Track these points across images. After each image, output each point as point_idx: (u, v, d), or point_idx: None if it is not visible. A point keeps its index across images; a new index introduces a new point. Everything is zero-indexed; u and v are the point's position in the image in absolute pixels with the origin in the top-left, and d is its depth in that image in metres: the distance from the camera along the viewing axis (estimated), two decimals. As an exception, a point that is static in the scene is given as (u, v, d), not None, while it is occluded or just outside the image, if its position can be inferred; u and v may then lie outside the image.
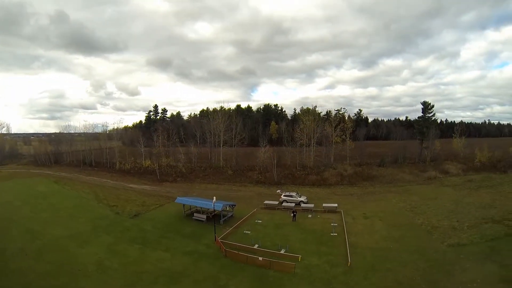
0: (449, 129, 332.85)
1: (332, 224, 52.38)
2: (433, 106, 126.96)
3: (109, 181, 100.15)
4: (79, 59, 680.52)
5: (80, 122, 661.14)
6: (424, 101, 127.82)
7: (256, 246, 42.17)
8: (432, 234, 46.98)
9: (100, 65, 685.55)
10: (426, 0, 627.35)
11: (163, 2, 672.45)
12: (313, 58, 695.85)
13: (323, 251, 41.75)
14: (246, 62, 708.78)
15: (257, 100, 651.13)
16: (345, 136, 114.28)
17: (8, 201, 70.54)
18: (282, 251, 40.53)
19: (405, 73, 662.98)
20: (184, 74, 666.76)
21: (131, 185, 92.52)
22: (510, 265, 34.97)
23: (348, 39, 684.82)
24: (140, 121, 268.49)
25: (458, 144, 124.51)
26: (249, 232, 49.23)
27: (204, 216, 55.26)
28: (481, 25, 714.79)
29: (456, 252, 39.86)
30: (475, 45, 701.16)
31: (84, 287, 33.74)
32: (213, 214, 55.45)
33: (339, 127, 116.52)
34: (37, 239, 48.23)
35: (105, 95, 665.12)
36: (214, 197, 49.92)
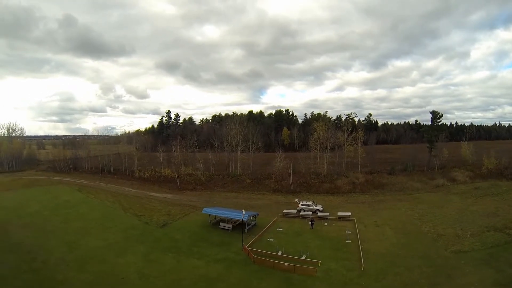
0: (459, 132, 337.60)
1: (346, 231, 58.78)
2: (441, 116, 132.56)
3: (130, 189, 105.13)
4: (88, 63, 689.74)
5: (90, 125, 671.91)
6: (433, 111, 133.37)
7: (280, 253, 48.19)
8: (437, 241, 53.00)
9: (109, 68, 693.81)
10: (432, 0, 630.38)
11: (169, 5, 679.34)
12: (321, 60, 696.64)
13: (340, 256, 47.91)
14: (253, 64, 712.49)
15: (265, 102, 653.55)
16: (357, 144, 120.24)
17: (37, 211, 74.18)
18: (304, 257, 46.55)
19: (414, 74, 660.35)
20: (192, 77, 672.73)
21: (153, 194, 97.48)
22: (505, 271, 41.06)
23: (355, 41, 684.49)
24: (152, 126, 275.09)
25: (466, 151, 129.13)
26: (272, 240, 55.15)
27: (230, 226, 60.89)
28: (490, 25, 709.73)
29: (458, 258, 45.85)
30: (485, 45, 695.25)
31: None
32: (237, 223, 61.54)
33: (351, 136, 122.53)
34: (75, 249, 51.86)
35: (114, 98, 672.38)
36: (243, 210, 56.27)
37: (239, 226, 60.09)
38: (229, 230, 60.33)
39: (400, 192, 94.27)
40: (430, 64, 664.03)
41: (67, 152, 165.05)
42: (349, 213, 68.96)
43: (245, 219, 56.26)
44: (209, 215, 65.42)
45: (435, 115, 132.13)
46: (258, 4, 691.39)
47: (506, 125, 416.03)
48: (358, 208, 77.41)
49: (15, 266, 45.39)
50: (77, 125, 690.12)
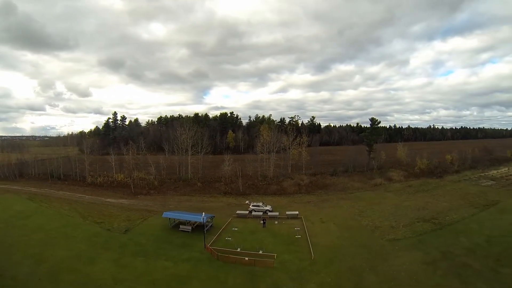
0: (397, 133, 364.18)
1: (295, 228, 66.36)
2: (379, 122, 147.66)
3: (84, 196, 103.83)
4: (26, 56, 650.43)
5: (27, 124, 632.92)
6: (372, 118, 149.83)
7: (239, 249, 54.07)
8: (374, 233, 62.70)
9: (49, 63, 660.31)
10: (379, 9, 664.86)
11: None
12: (266, 62, 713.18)
13: (292, 249, 55.09)
14: (199, 64, 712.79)
15: (209, 103, 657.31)
16: (301, 148, 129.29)
17: None
18: (260, 252, 52.99)
19: (357, 78, 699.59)
20: (136, 75, 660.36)
21: (108, 200, 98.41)
22: (431, 252, 51.57)
23: (302, 44, 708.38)
24: (97, 127, 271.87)
25: (401, 153, 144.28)
26: (230, 238, 60.93)
27: (190, 228, 65.74)
28: (429, 36, 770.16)
29: (392, 245, 55.57)
30: (423, 54, 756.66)
31: None
32: (195, 225, 66.77)
33: (296, 141, 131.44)
34: (42, 262, 50.91)
35: (54, 96, 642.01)
36: (203, 212, 61.33)
37: (198, 228, 65.40)
38: (189, 232, 64.99)
39: (342, 191, 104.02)
40: (373, 69, 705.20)
41: (11, 157, 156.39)
42: (297, 212, 76.40)
43: (204, 221, 61.00)
44: (169, 218, 69.52)
45: (374, 122, 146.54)
46: (207, 4, 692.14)
47: (440, 128, 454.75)
48: (304, 207, 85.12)
49: None
50: (13, 125, 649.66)
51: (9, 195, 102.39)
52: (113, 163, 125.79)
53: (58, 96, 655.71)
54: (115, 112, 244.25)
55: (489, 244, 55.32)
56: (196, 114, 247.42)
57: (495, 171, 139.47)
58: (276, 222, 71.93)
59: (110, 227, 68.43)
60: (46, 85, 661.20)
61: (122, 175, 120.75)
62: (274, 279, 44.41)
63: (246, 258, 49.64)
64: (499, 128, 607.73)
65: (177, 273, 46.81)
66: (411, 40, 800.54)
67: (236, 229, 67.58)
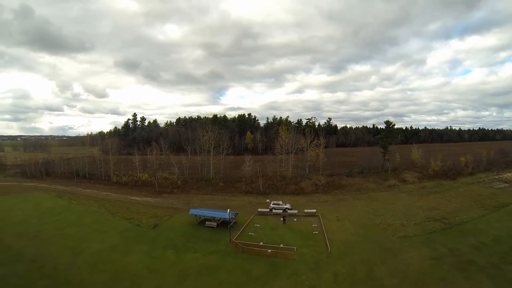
0: (413, 135, 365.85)
1: (313, 225, 71.95)
2: (394, 125, 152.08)
3: (110, 194, 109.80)
4: (44, 58, 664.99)
5: (46, 124, 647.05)
6: (387, 120, 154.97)
7: (261, 243, 59.38)
8: (387, 230, 67.70)
9: (66, 64, 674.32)
10: (393, 8, 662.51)
11: (132, 1, 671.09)
12: (281, 62, 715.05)
13: (310, 244, 60.47)
14: (214, 65, 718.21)
15: (225, 104, 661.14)
16: (318, 150, 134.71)
17: (24, 220, 75.48)
18: (281, 245, 58.26)
19: (373, 79, 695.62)
20: (152, 76, 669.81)
21: (133, 198, 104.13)
22: (438, 249, 56.16)
23: (316, 45, 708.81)
24: (115, 128, 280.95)
25: (416, 155, 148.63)
26: (252, 234, 66.62)
27: (215, 224, 71.43)
28: (446, 35, 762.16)
29: (402, 242, 60.53)
30: (440, 53, 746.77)
31: (147, 284, 45.25)
32: (220, 221, 72.48)
33: (313, 143, 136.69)
34: (79, 254, 55.58)
35: (71, 97, 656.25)
36: (228, 209, 67.68)
37: (222, 224, 71.23)
38: (214, 227, 70.51)
39: (358, 192, 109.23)
40: (389, 69, 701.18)
41: (37, 156, 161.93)
42: (314, 210, 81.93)
43: (229, 217, 67.22)
44: (195, 215, 75.24)
45: (389, 124, 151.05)
46: (222, 5, 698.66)
47: (457, 129, 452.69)
48: (321, 206, 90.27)
49: (26, 275, 48.08)
50: (32, 125, 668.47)
51: (38, 192, 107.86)
52: (137, 163, 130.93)
53: (76, 97, 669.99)
54: (134, 113, 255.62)
55: (495, 243, 59.19)
56: (215, 116, 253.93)
57: (510, 174, 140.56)
58: (295, 219, 77.39)
59: (139, 223, 73.46)
60: (64, 86, 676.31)
61: (146, 175, 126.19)
62: (294, 269, 49.64)
63: (269, 251, 55.14)
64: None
65: (206, 264, 52.03)
66: (427, 39, 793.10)
67: (258, 225, 73.12)
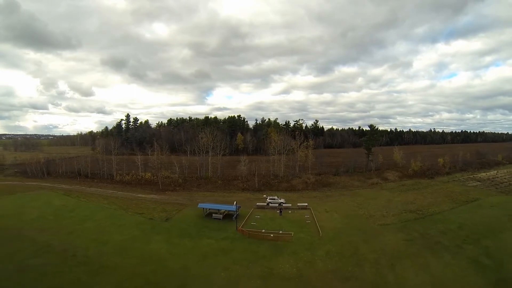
0: (398, 137, 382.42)
1: (305, 216, 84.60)
2: (378, 129, 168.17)
3: (115, 192, 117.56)
4: (29, 55, 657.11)
5: (30, 122, 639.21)
6: (371, 124, 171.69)
7: (263, 230, 71.20)
8: (369, 220, 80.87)
9: (52, 62, 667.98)
10: (382, 11, 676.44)
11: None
12: (269, 63, 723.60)
13: (304, 230, 73.10)
14: (201, 65, 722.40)
15: (211, 104, 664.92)
16: (308, 151, 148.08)
17: (40, 216, 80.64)
18: (280, 232, 70.39)
19: (360, 80, 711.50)
20: (139, 75, 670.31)
21: (139, 195, 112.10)
22: (411, 233, 69.56)
23: (304, 45, 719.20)
24: (106, 128, 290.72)
25: (397, 156, 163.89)
26: (254, 223, 78.65)
27: (221, 216, 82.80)
28: (433, 38, 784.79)
29: (382, 228, 73.66)
30: (427, 57, 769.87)
31: (172, 266, 53.31)
32: (225, 214, 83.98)
33: (303, 144, 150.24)
34: (105, 244, 62.60)
35: (57, 95, 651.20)
36: (235, 202, 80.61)
37: (227, 216, 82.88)
38: (220, 219, 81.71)
39: (343, 189, 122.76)
40: (376, 71, 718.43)
41: (40, 155, 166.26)
42: (306, 204, 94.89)
43: (236, 209, 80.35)
44: (203, 208, 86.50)
45: (372, 129, 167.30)
46: (210, 4, 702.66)
47: (440, 131, 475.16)
48: (311, 201, 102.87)
49: (61, 263, 53.62)
50: (16, 123, 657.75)
51: (45, 191, 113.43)
52: (139, 163, 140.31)
53: (61, 95, 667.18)
54: (128, 114, 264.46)
55: (460, 229, 72.46)
56: (207, 117, 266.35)
57: (484, 174, 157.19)
58: (290, 212, 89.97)
59: (152, 217, 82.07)
60: (49, 84, 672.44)
61: (149, 174, 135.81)
62: (293, 249, 61.61)
63: (271, 235, 67.33)
64: (500, 132, 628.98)
65: (219, 247, 62.95)
66: (414, 43, 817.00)
67: (258, 216, 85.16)
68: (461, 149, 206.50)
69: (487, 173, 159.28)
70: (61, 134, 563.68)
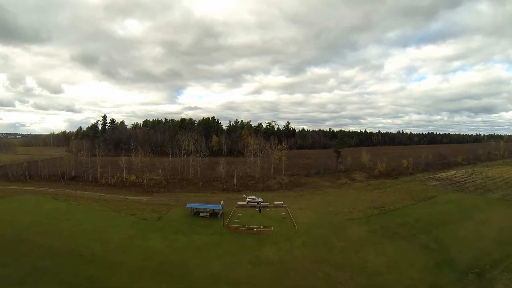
0: (367, 138, 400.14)
1: (282, 213, 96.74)
2: (346, 134, 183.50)
3: (102, 194, 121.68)
4: None
5: None
6: (340, 129, 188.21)
7: (246, 226, 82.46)
8: (337, 215, 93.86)
9: (19, 56, 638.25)
10: (356, 15, 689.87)
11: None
12: (241, 63, 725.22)
13: (282, 225, 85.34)
14: (173, 63, 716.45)
15: (182, 103, 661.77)
16: (281, 154, 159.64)
17: (34, 221, 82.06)
18: (261, 226, 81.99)
19: (332, 82, 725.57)
20: (110, 73, 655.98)
21: (126, 197, 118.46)
22: (374, 226, 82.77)
23: (278, 46, 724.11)
24: (80, 128, 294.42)
25: (365, 157, 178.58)
26: (238, 220, 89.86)
27: (207, 214, 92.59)
28: (404, 43, 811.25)
29: (348, 222, 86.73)
30: (398, 60, 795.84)
31: (174, 258, 61.15)
32: (210, 212, 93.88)
33: (277, 148, 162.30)
34: (107, 243, 67.38)
35: (24, 91, 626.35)
36: (222, 201, 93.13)
37: (212, 215, 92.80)
38: (207, 217, 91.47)
39: (315, 189, 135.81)
40: (348, 73, 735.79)
41: (21, 157, 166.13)
42: (282, 202, 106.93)
43: (220, 207, 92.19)
44: (191, 208, 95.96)
45: (341, 134, 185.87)
46: (185, 2, 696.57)
47: (408, 132, 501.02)
48: (286, 200, 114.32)
49: (71, 263, 57.48)
50: None
51: (30, 195, 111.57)
52: (124, 165, 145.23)
53: (28, 92, 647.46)
54: (104, 115, 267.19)
55: (416, 221, 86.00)
56: (183, 119, 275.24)
57: (444, 174, 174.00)
58: (268, 209, 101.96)
59: (144, 217, 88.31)
60: (16, 80, 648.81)
61: (134, 176, 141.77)
62: (274, 240, 73.47)
63: (255, 229, 78.98)
64: (465, 134, 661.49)
65: (211, 241, 73.23)
66: (386, 46, 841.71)
67: (240, 214, 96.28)
68: (425, 151, 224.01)
69: (447, 173, 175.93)
70: (28, 133, 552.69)
